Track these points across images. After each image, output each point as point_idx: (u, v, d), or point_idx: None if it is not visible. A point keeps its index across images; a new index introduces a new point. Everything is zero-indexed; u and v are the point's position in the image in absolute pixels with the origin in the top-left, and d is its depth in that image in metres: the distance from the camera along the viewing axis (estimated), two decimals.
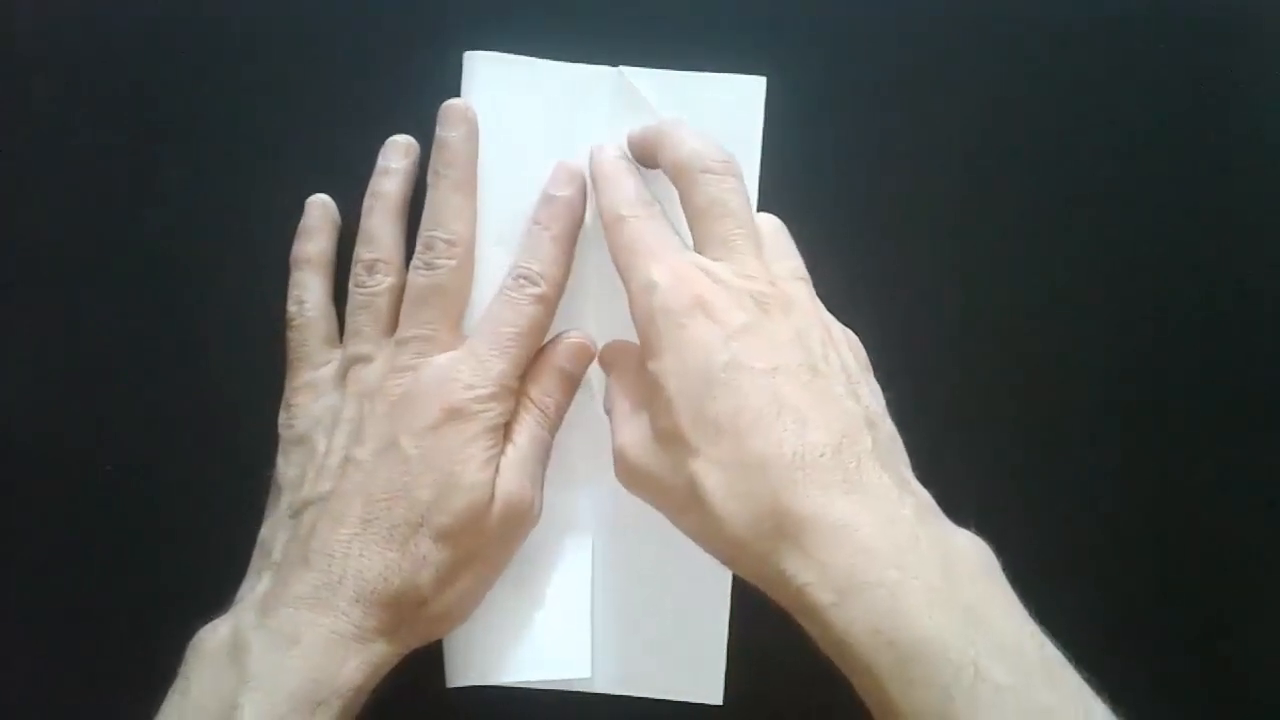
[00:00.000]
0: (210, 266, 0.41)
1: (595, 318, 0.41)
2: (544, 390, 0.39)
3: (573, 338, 0.39)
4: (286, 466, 0.39)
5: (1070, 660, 0.30)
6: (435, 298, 0.38)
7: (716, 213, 0.36)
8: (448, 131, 0.39)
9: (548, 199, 0.39)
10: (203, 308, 0.41)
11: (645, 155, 0.39)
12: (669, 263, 0.35)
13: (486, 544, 0.37)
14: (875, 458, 0.32)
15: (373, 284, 0.39)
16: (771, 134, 0.41)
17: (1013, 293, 0.42)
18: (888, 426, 0.35)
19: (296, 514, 0.37)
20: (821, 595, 0.30)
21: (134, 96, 0.41)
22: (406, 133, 0.40)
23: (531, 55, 0.40)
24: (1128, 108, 0.42)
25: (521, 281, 0.38)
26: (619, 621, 0.41)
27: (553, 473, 0.40)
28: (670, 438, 0.34)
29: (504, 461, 0.37)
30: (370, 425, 0.37)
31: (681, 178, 0.36)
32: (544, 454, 0.39)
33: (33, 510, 0.41)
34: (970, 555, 0.32)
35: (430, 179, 0.39)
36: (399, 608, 0.35)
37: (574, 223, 0.39)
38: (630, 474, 0.35)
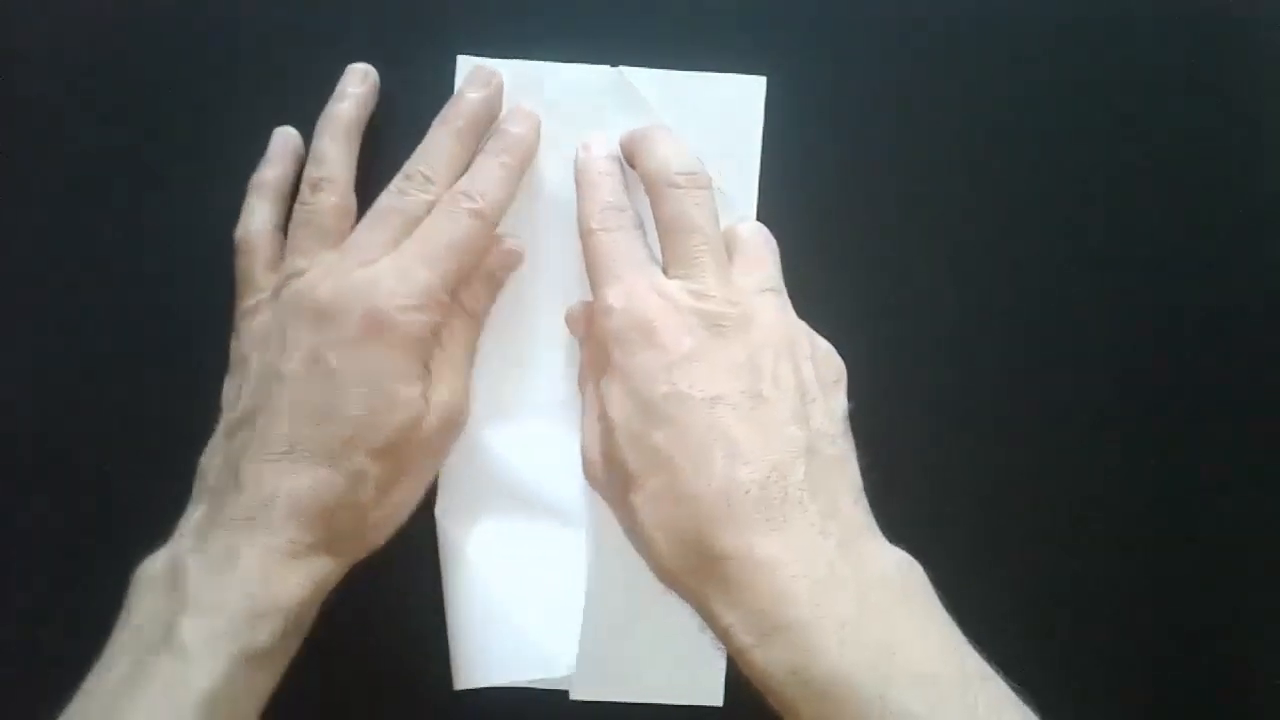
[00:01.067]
0: (210, 266, 0.41)
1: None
2: (473, 294, 0.39)
3: (505, 244, 0.40)
4: (228, 387, 0.38)
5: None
6: (396, 221, 0.37)
7: (681, 227, 0.36)
8: (469, 90, 0.39)
9: (500, 133, 0.39)
10: (203, 308, 0.41)
11: (630, 157, 0.39)
12: (626, 285, 0.35)
13: (422, 454, 0.37)
14: (805, 488, 0.33)
15: (314, 201, 0.38)
16: (771, 134, 0.41)
17: (1012, 293, 0.42)
18: (831, 450, 0.35)
19: (230, 434, 0.37)
20: (743, 638, 0.31)
21: (134, 96, 0.41)
22: (403, 135, 0.40)
23: (531, 55, 0.40)
24: (1128, 108, 0.42)
25: (459, 196, 0.37)
26: (619, 623, 0.41)
27: (552, 473, 0.40)
28: (615, 463, 0.35)
29: (436, 370, 0.37)
30: (293, 335, 0.36)
31: (650, 189, 0.37)
32: (472, 350, 0.39)
33: (33, 510, 0.41)
34: (892, 580, 0.32)
35: (435, 123, 0.39)
36: (336, 523, 0.35)
37: (523, 156, 0.39)
38: (591, 477, 0.37)
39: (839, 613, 0.30)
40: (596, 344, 0.36)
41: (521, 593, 0.41)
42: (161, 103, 0.41)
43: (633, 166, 0.39)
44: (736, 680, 0.41)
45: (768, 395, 0.34)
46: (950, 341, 0.42)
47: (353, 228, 0.38)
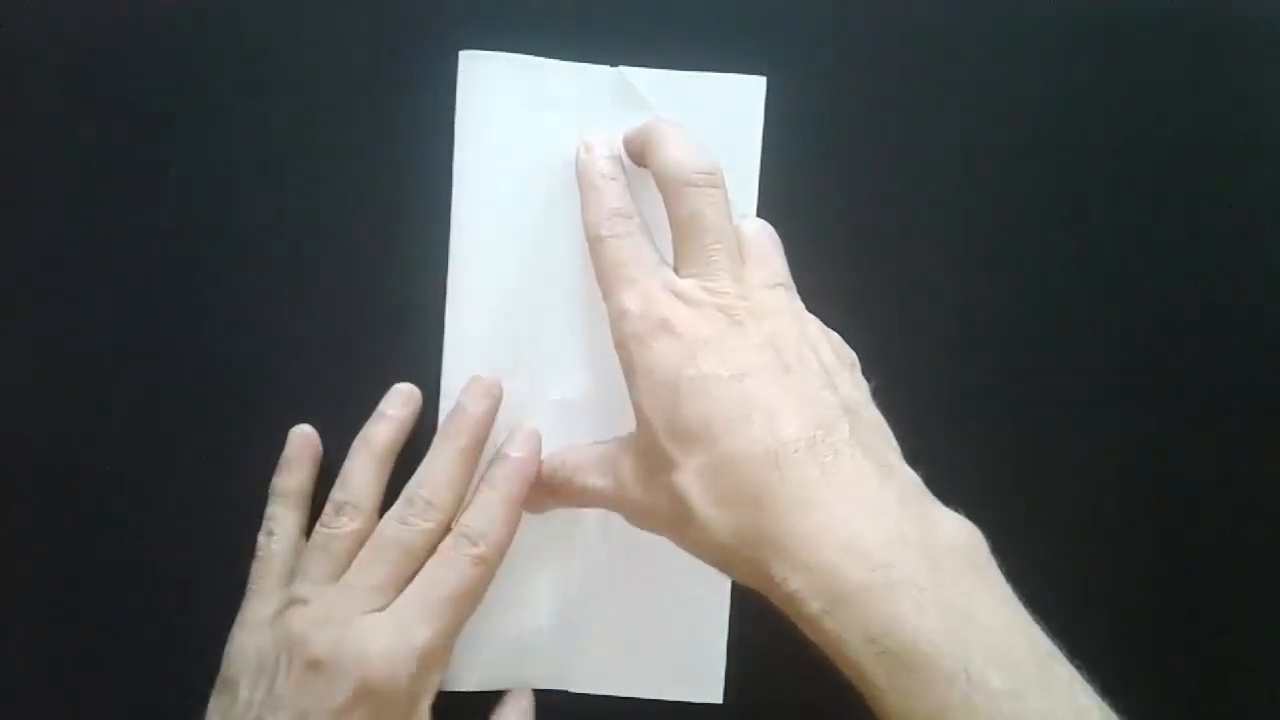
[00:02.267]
0: (210, 266, 0.41)
1: (589, 324, 0.41)
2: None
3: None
4: (212, 709, 0.37)
5: (1064, 653, 0.30)
6: (397, 557, 0.36)
7: (695, 227, 0.36)
8: (469, 402, 0.39)
9: (503, 459, 0.38)
10: (203, 308, 0.41)
11: (638, 155, 0.39)
12: (640, 287, 0.35)
13: None
14: (854, 445, 0.32)
15: (336, 526, 0.38)
16: (771, 134, 0.41)
17: (1012, 292, 0.42)
18: (869, 414, 0.35)
19: None
20: (811, 604, 0.30)
21: (134, 96, 0.41)
22: (403, 133, 0.40)
23: (531, 55, 0.40)
24: (1128, 108, 0.42)
25: (463, 541, 0.37)
26: (618, 622, 0.41)
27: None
28: (651, 455, 0.34)
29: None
30: (284, 688, 0.35)
31: (664, 187, 0.37)
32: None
33: (33, 510, 0.41)
34: (958, 542, 0.31)
35: (437, 438, 0.39)
36: None
37: (526, 483, 0.38)
38: (639, 515, 0.36)
39: (914, 576, 0.29)
40: (617, 354, 0.36)
41: (521, 594, 0.41)
42: (161, 103, 0.41)
43: (639, 163, 0.39)
44: (736, 677, 0.41)
45: (794, 368, 0.34)
46: (950, 341, 0.42)
47: None
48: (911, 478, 0.33)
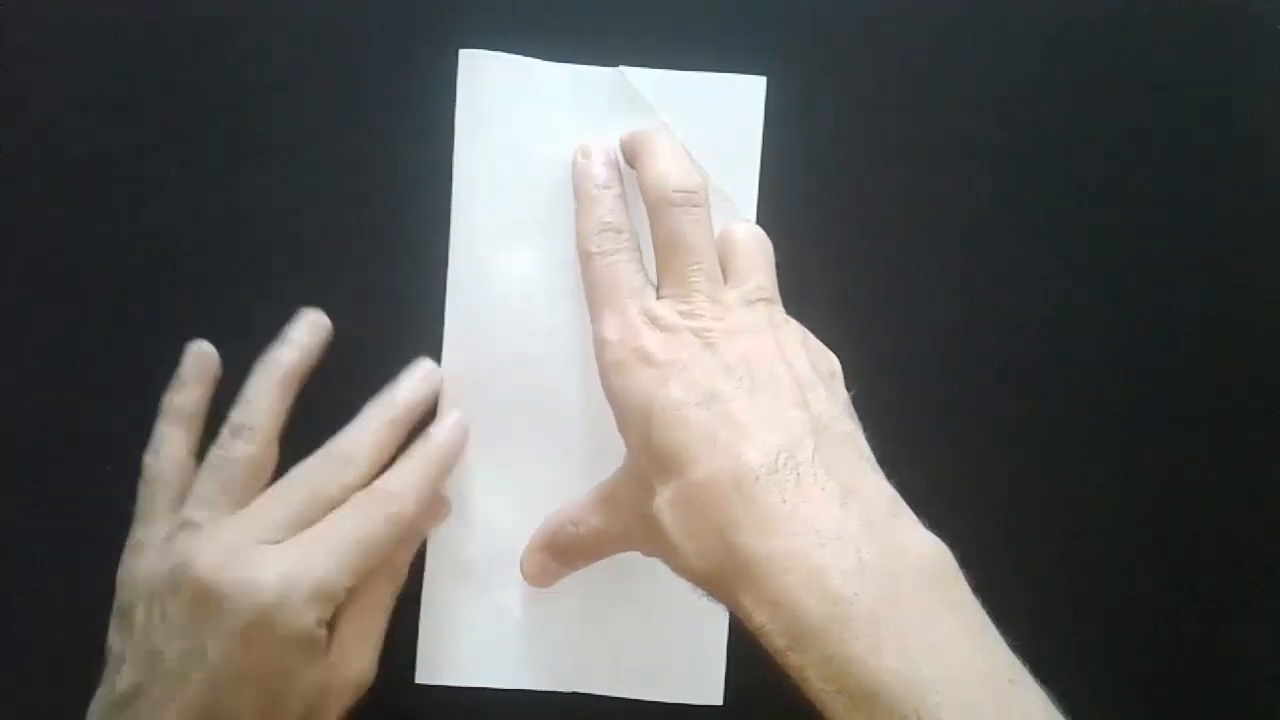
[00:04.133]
0: (210, 266, 0.41)
1: (587, 325, 0.41)
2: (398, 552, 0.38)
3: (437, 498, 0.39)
4: (114, 635, 0.37)
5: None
6: (303, 497, 0.37)
7: (675, 247, 0.36)
8: (407, 381, 0.39)
9: (428, 437, 0.39)
10: (202, 307, 0.41)
11: (631, 159, 0.39)
12: (619, 315, 0.35)
13: None
14: (820, 465, 0.32)
15: (231, 449, 0.38)
16: (771, 134, 0.41)
17: (1012, 292, 0.42)
18: (839, 428, 0.34)
19: (119, 706, 0.35)
20: (776, 640, 0.30)
21: (134, 96, 0.41)
22: (404, 133, 0.40)
23: (531, 55, 0.40)
24: (1128, 108, 0.42)
25: (383, 496, 0.37)
26: (617, 623, 0.41)
27: (551, 475, 0.40)
28: (641, 483, 0.34)
29: (343, 644, 0.37)
30: (177, 615, 0.34)
31: (647, 202, 0.37)
32: (388, 613, 0.38)
33: (33, 510, 0.41)
34: (923, 564, 0.31)
35: (368, 406, 0.39)
36: None
37: (444, 465, 0.39)
38: (635, 544, 0.36)
39: (872, 610, 0.29)
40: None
41: (521, 595, 0.41)
42: (161, 103, 0.41)
43: (634, 167, 0.39)
44: (737, 679, 0.41)
45: (764, 388, 0.34)
46: (949, 342, 0.42)
47: (265, 486, 0.38)
48: (879, 493, 0.33)
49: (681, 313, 0.35)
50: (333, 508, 0.37)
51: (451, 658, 0.41)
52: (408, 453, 0.39)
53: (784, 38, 0.41)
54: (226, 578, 0.34)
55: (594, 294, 0.37)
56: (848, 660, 0.29)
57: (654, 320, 0.35)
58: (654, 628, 0.41)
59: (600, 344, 0.36)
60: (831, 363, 0.37)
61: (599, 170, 0.38)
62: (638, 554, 0.40)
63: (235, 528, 0.36)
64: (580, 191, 0.39)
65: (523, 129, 0.40)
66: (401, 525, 0.37)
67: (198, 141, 0.41)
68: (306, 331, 0.40)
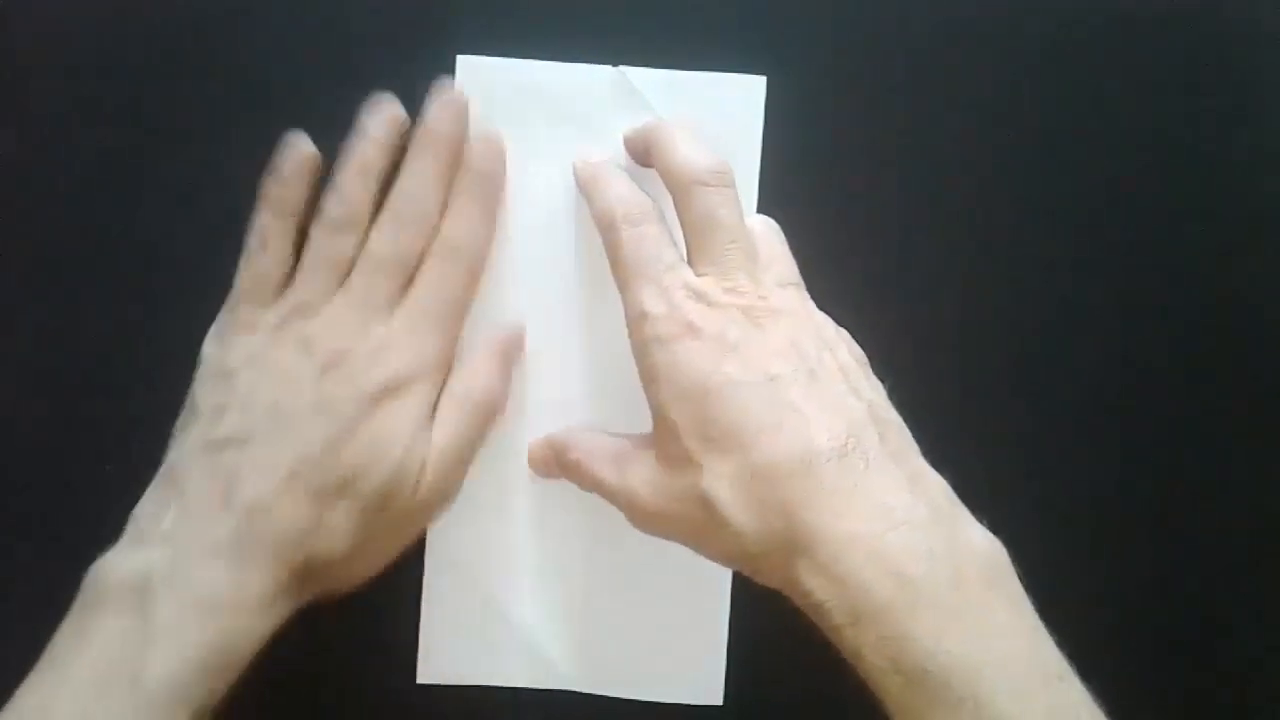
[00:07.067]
0: (210, 266, 0.41)
1: (589, 327, 0.41)
2: (478, 378, 0.39)
3: (509, 329, 0.40)
4: (207, 394, 0.37)
5: (1071, 661, 0.30)
6: (394, 268, 0.38)
7: (709, 227, 0.36)
8: (440, 123, 0.39)
9: (473, 171, 0.39)
10: (202, 307, 0.41)
11: (641, 155, 0.39)
12: (660, 287, 0.35)
13: (405, 519, 0.37)
14: (886, 454, 0.33)
15: (337, 246, 0.38)
16: (771, 134, 0.41)
17: (1012, 293, 0.42)
18: (893, 417, 0.35)
19: (214, 450, 0.36)
20: (837, 617, 0.31)
21: (134, 97, 0.41)
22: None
23: (531, 55, 0.40)
24: (1128, 108, 0.42)
25: (454, 252, 0.38)
26: (618, 623, 0.41)
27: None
28: (678, 463, 0.34)
29: (440, 442, 0.37)
30: (305, 378, 0.36)
31: (675, 187, 0.37)
32: (478, 441, 0.39)
33: (33, 510, 0.41)
34: (984, 562, 0.32)
35: (410, 155, 0.39)
36: (309, 569, 0.35)
37: (499, 190, 0.40)
38: (646, 518, 0.36)
39: (936, 594, 0.30)
40: (634, 355, 0.36)
41: (522, 595, 0.41)
42: (162, 103, 0.41)
43: (641, 163, 0.39)
44: (737, 679, 0.41)
45: (818, 373, 0.34)
46: (950, 341, 0.42)
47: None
48: (940, 485, 0.34)
49: (725, 289, 0.35)
50: (416, 264, 0.38)
51: (451, 658, 0.41)
52: (459, 190, 0.39)
53: (784, 38, 0.41)
54: (357, 347, 0.36)
55: (625, 268, 0.36)
56: (908, 640, 0.29)
57: (699, 295, 0.35)
58: (654, 628, 0.41)
59: (639, 318, 0.35)
60: (860, 352, 0.38)
61: (605, 163, 0.39)
62: (637, 557, 0.40)
63: (348, 309, 0.37)
64: (590, 180, 0.39)
65: (522, 131, 0.40)
66: (476, 273, 0.39)
67: (197, 142, 0.41)
68: (387, 127, 0.39)
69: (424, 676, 0.41)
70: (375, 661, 0.41)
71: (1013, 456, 0.42)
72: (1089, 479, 0.42)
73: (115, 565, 0.34)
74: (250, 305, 0.39)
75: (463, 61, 0.40)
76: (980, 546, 0.32)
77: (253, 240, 0.39)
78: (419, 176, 0.38)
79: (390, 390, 0.36)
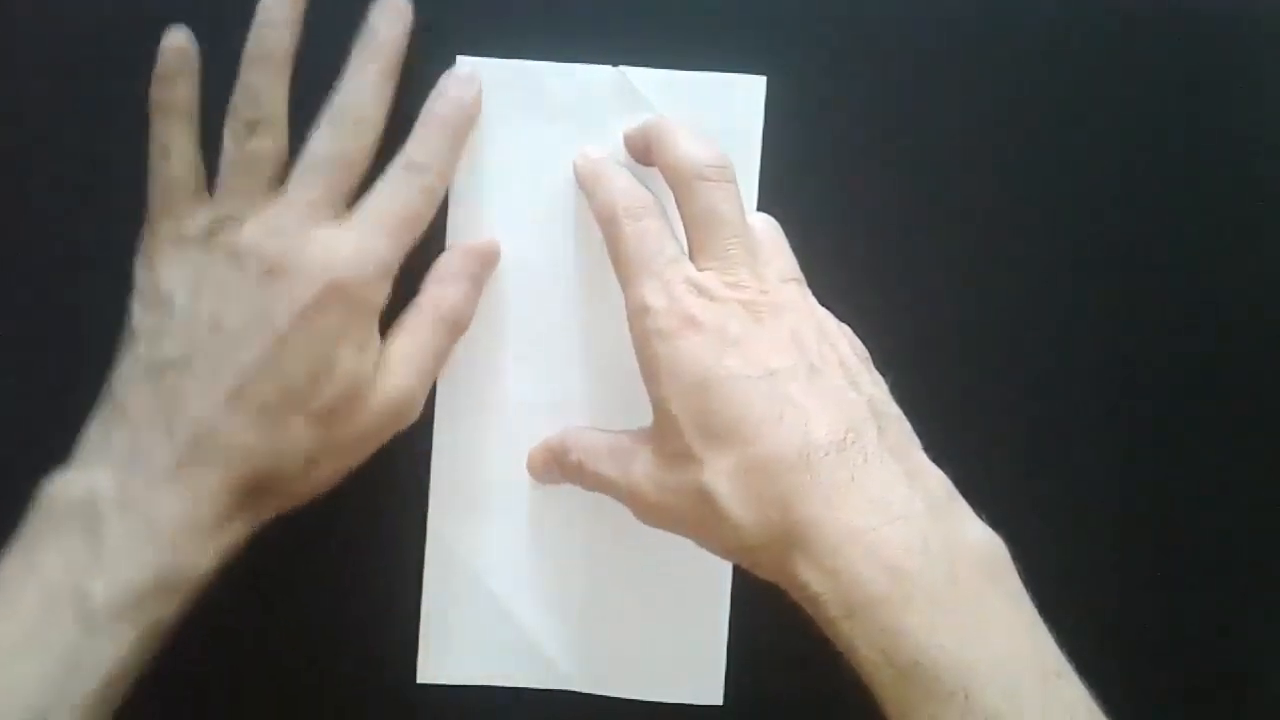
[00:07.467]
0: None
1: (589, 326, 0.41)
2: (451, 296, 0.38)
3: (479, 241, 0.40)
4: (144, 316, 0.36)
5: (1070, 657, 0.30)
6: (335, 169, 0.36)
7: (711, 222, 0.36)
8: (382, 24, 0.38)
9: (440, 92, 0.39)
10: None
11: (641, 152, 0.39)
12: (661, 281, 0.35)
13: (359, 433, 0.36)
14: (884, 449, 0.33)
15: (253, 145, 0.37)
16: (771, 134, 0.41)
17: (1013, 293, 0.42)
18: (894, 412, 0.35)
19: (156, 373, 0.35)
20: (832, 609, 0.31)
21: (133, 97, 0.41)
22: (402, 139, 0.40)
23: (531, 55, 0.40)
24: (1128, 108, 0.42)
25: (415, 169, 0.37)
26: (618, 623, 0.41)
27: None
28: (679, 457, 0.34)
29: (394, 354, 0.37)
30: (242, 289, 0.35)
31: (676, 183, 0.37)
32: (440, 353, 0.38)
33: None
34: (983, 557, 0.32)
35: (353, 59, 0.38)
36: (260, 488, 0.35)
37: (467, 117, 0.39)
38: (649, 510, 0.36)
39: (931, 588, 0.30)
40: (635, 348, 0.36)
41: (521, 594, 0.41)
42: None
43: (641, 161, 0.39)
44: (737, 679, 0.41)
45: (819, 367, 0.34)
46: (950, 341, 0.42)
47: (286, 172, 0.37)
48: (940, 479, 0.34)
49: (727, 284, 0.35)
50: (362, 169, 0.37)
51: (451, 658, 0.41)
52: (426, 112, 0.38)
53: (784, 38, 0.41)
54: (298, 257, 0.35)
55: (627, 261, 0.36)
56: (902, 633, 0.30)
57: (700, 289, 0.35)
58: (654, 628, 0.41)
59: (640, 311, 0.35)
60: (862, 349, 0.38)
61: (605, 159, 0.39)
62: (637, 556, 0.40)
63: (284, 214, 0.36)
64: (590, 176, 0.39)
65: (521, 133, 0.40)
66: (437, 194, 0.38)
67: (198, 142, 0.41)
68: (285, 6, 0.38)
69: (424, 676, 0.41)
70: (375, 661, 0.41)
71: (1014, 453, 0.42)
72: (1090, 475, 0.42)
73: (63, 487, 0.34)
74: (168, 219, 0.37)
75: (462, 61, 0.40)
76: (979, 542, 0.32)
77: (152, 151, 0.38)
78: (357, 77, 0.37)
79: (333, 295, 0.35)
